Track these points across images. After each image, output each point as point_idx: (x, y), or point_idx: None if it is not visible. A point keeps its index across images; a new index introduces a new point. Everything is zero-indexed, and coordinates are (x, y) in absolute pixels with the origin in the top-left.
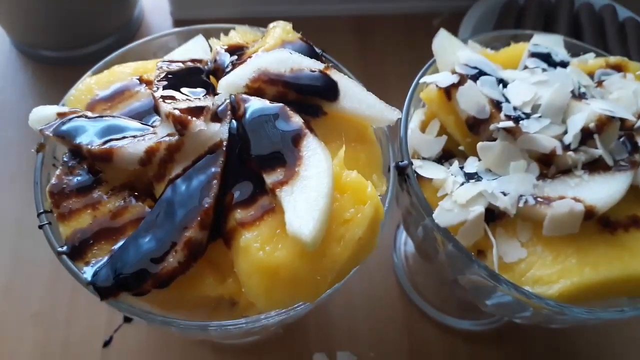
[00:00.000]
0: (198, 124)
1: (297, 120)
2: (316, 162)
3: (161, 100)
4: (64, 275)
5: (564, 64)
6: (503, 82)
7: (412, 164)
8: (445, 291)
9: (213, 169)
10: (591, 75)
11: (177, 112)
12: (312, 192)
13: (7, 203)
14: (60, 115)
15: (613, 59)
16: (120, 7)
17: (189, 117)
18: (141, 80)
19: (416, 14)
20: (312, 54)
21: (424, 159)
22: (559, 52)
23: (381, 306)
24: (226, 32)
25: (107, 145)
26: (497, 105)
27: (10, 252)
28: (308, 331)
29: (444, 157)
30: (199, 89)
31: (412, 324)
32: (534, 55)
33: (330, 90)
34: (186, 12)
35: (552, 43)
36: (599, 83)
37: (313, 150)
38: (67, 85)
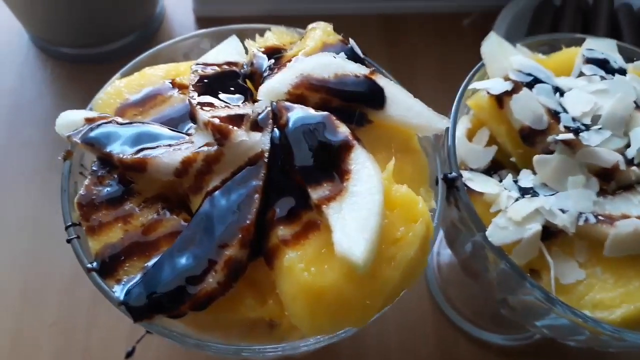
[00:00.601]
0: (239, 134)
1: (344, 130)
2: (366, 177)
3: (199, 107)
4: (84, 282)
5: (622, 71)
6: (559, 91)
7: (462, 176)
8: (480, 305)
9: (254, 182)
10: None
11: (216, 121)
12: (362, 210)
13: (24, 205)
14: (89, 120)
15: None
16: (142, 4)
17: (230, 126)
18: (174, 84)
19: (446, 13)
20: (355, 58)
21: (471, 170)
22: (615, 57)
23: (413, 318)
24: (261, 32)
25: (140, 155)
26: (555, 115)
27: (27, 257)
28: (338, 345)
29: (492, 169)
30: (237, 95)
31: (444, 337)
32: (589, 61)
33: (377, 97)
34: (209, 9)
35: (606, 47)
36: None
37: (362, 164)
38: (87, 83)
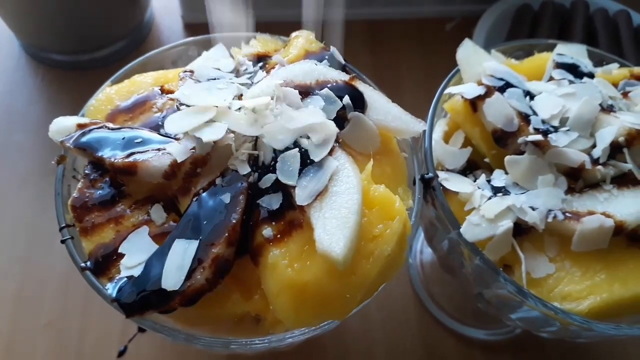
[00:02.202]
0: (225, 138)
1: None
2: (345, 178)
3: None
4: (76, 283)
5: (591, 75)
6: (530, 94)
7: (438, 176)
8: (462, 301)
9: (240, 183)
10: (615, 85)
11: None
12: (342, 208)
13: (17, 209)
14: (80, 126)
15: (637, 70)
16: (131, 11)
17: None
18: (162, 91)
19: (429, 18)
20: (336, 64)
21: (448, 170)
22: (584, 62)
23: (397, 315)
24: (247, 40)
25: (130, 159)
26: (525, 118)
27: (20, 259)
28: (323, 341)
29: (468, 169)
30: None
31: (428, 333)
32: (559, 65)
33: (357, 103)
34: (197, 16)
35: (576, 53)
36: (624, 94)
37: (342, 165)
38: (78, 89)
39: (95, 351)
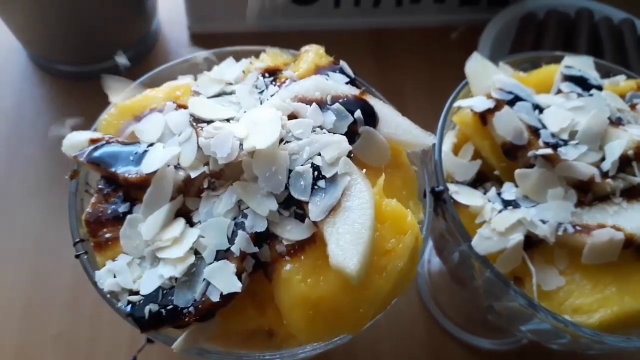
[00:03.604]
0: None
1: None
2: (358, 193)
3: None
4: (85, 295)
5: (599, 88)
6: (539, 108)
7: (448, 189)
8: (468, 310)
9: None
10: (622, 97)
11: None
12: (355, 223)
13: (26, 221)
14: (93, 141)
15: None
16: (138, 21)
17: None
18: (177, 105)
19: (433, 28)
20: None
21: (457, 182)
22: (592, 75)
23: (404, 323)
24: (256, 54)
25: (144, 174)
26: (534, 131)
27: (29, 271)
28: (332, 350)
29: (477, 181)
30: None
31: (435, 342)
32: (567, 78)
33: (369, 117)
34: (203, 26)
35: (583, 65)
36: (632, 106)
37: (354, 180)
38: (85, 99)
39: None
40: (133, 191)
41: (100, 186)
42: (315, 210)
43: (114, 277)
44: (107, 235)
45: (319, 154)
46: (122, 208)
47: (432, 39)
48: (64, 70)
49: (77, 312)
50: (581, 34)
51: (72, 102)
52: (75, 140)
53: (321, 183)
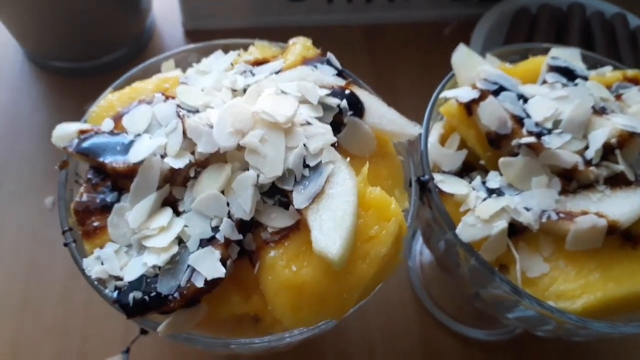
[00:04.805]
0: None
1: None
2: (341, 180)
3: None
4: (79, 288)
5: (584, 78)
6: (523, 98)
7: (433, 178)
8: (461, 301)
9: None
10: (609, 87)
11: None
12: (338, 210)
13: (22, 216)
14: (82, 132)
15: (631, 72)
16: (132, 18)
17: None
18: (165, 96)
19: (427, 23)
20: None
21: (444, 172)
22: (578, 65)
23: (396, 315)
24: (245, 47)
25: (132, 163)
26: (518, 120)
27: (26, 266)
28: (322, 341)
29: (464, 170)
30: None
31: (428, 333)
32: (552, 69)
33: (355, 108)
34: (198, 23)
35: (570, 56)
36: (618, 96)
37: (338, 168)
38: (81, 96)
39: (97, 355)
40: (121, 181)
41: (89, 176)
42: (299, 198)
43: (102, 264)
44: (95, 223)
45: (304, 145)
46: (110, 197)
47: (426, 34)
48: (59, 67)
49: (71, 305)
50: (573, 28)
51: (67, 98)
52: (65, 132)
53: (305, 172)
